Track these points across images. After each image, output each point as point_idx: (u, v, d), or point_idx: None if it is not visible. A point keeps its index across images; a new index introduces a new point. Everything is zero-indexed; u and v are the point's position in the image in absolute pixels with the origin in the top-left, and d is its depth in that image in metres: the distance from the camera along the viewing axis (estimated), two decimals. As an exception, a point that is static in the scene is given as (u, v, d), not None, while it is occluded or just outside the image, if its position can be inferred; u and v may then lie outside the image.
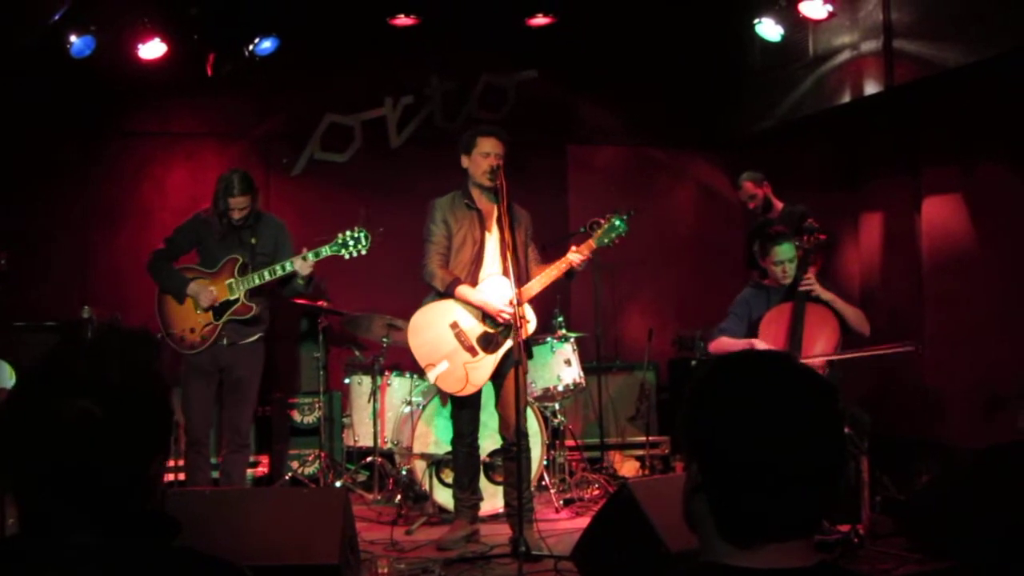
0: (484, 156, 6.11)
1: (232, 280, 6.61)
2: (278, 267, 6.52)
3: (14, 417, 1.79)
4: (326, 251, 6.49)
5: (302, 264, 6.46)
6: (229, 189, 6.53)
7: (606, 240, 6.24)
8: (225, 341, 6.63)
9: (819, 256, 6.76)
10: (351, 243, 6.48)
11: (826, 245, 6.85)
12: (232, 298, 6.61)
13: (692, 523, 1.78)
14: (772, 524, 1.68)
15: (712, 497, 1.71)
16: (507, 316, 6.01)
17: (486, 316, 6.16)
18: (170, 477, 7.58)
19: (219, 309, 6.62)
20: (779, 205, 8.26)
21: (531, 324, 6.18)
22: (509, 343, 6.14)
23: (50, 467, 1.75)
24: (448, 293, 6.14)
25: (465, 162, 6.21)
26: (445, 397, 6.82)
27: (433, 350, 6.15)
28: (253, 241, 6.66)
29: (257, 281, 6.57)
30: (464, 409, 6.34)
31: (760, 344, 6.56)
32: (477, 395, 6.34)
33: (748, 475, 1.66)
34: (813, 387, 1.72)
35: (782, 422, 1.67)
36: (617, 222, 6.24)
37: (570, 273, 6.26)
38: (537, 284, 6.18)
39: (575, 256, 6.18)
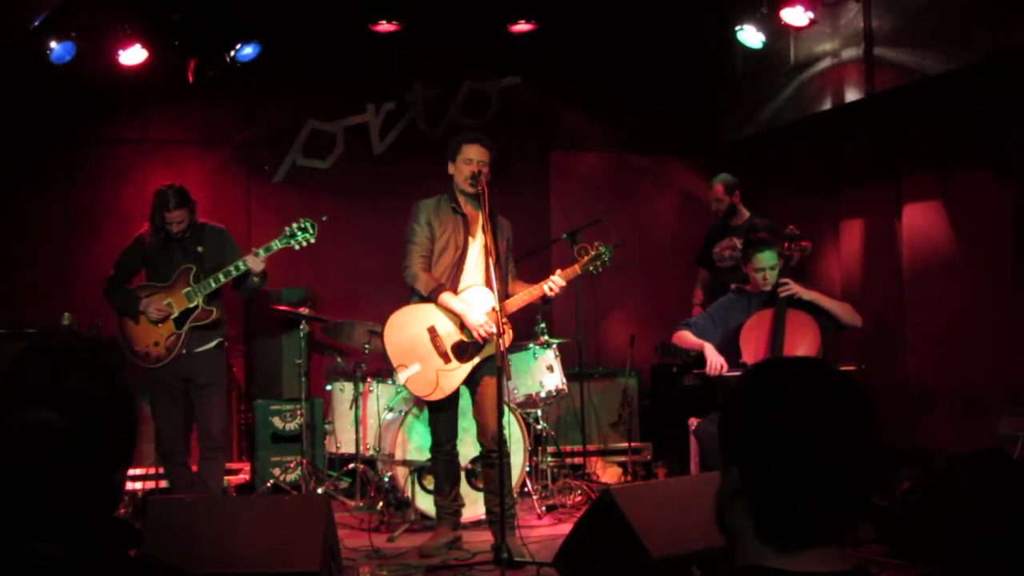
0: (467, 163, 6.11)
1: (189, 288, 6.71)
2: (232, 268, 6.67)
3: None
4: (276, 244, 6.76)
5: (255, 261, 6.65)
6: (165, 204, 6.66)
7: (591, 268, 6.33)
8: (185, 350, 6.72)
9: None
10: (298, 233, 6.79)
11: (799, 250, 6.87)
12: (191, 305, 6.71)
13: (725, 526, 1.79)
14: (814, 528, 1.70)
15: (753, 501, 1.73)
16: (484, 335, 6.03)
17: (464, 325, 6.15)
18: (151, 485, 7.56)
19: (180, 318, 6.72)
20: (745, 214, 8.25)
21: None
22: (484, 354, 6.15)
23: (15, 476, 1.74)
24: (431, 298, 6.14)
25: (451, 168, 6.21)
26: (422, 404, 6.83)
27: (407, 351, 6.15)
28: (200, 250, 6.79)
29: (213, 285, 6.70)
30: (441, 417, 6.34)
31: (710, 349, 6.67)
32: (454, 402, 6.33)
33: (791, 480, 1.69)
34: (853, 394, 1.74)
35: (825, 428, 1.69)
36: (604, 250, 6.31)
37: (546, 300, 6.29)
38: (516, 302, 6.18)
39: (550, 285, 6.15)
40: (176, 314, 6.71)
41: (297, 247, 6.82)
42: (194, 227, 6.81)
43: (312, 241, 6.82)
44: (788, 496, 1.69)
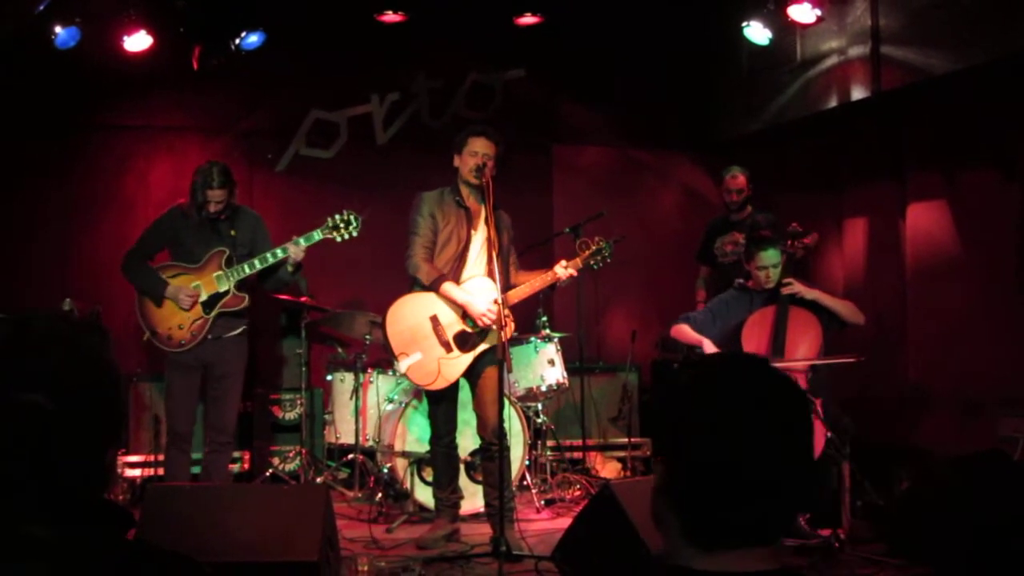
0: (472, 155, 6.11)
1: (220, 273, 6.50)
2: (268, 255, 6.47)
3: None
4: (318, 235, 6.50)
5: (296, 249, 6.43)
6: (208, 182, 6.43)
7: (591, 262, 6.35)
8: (209, 336, 6.52)
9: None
10: (341, 226, 6.52)
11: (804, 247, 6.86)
12: (222, 290, 6.50)
13: (658, 523, 1.75)
14: (738, 530, 1.64)
15: (677, 500, 1.68)
16: (487, 321, 6.02)
17: (466, 315, 6.15)
18: (149, 473, 7.55)
19: (209, 302, 6.50)
20: (748, 209, 8.20)
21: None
22: (485, 345, 6.15)
23: (1, 460, 1.73)
24: (432, 288, 6.14)
25: (456, 161, 6.21)
26: (422, 396, 6.83)
27: (409, 340, 6.14)
28: (233, 233, 6.57)
29: (248, 271, 6.49)
30: (440, 409, 6.34)
31: (709, 345, 6.65)
32: (454, 394, 6.33)
33: (716, 480, 1.63)
34: (787, 395, 1.69)
35: (753, 429, 1.64)
36: (605, 245, 6.32)
37: (553, 285, 6.30)
38: (520, 292, 6.19)
39: (563, 271, 6.20)
40: (204, 298, 6.48)
41: (339, 239, 6.53)
42: (231, 209, 6.57)
43: (355, 235, 6.55)
44: (712, 498, 1.63)
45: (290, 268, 6.54)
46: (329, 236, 6.52)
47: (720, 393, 1.68)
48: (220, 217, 6.54)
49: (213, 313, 6.51)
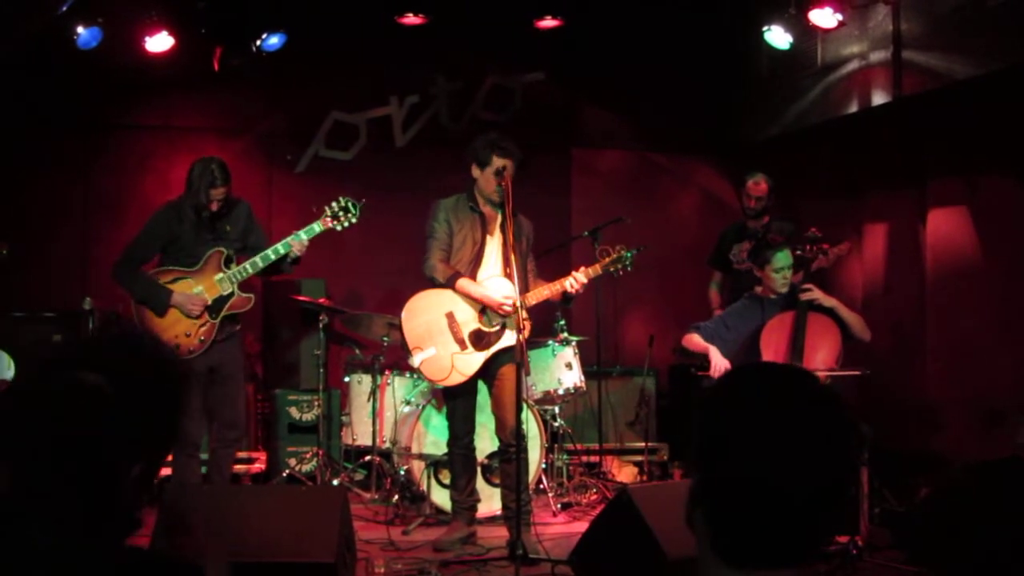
0: (496, 176, 6.07)
1: (221, 275, 6.34)
2: (270, 252, 6.33)
3: (25, 386, 1.77)
4: (318, 227, 6.42)
5: (298, 244, 6.32)
6: (213, 181, 6.25)
7: (611, 269, 6.32)
8: (218, 339, 6.37)
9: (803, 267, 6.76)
10: (340, 214, 6.44)
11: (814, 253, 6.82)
12: (226, 293, 6.36)
13: (691, 528, 1.70)
14: (770, 547, 1.60)
15: (709, 512, 1.64)
16: (508, 309, 6.01)
17: (483, 313, 6.15)
18: (167, 472, 7.56)
19: (214, 306, 6.34)
20: (766, 219, 8.14)
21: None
22: (500, 344, 6.15)
23: (52, 437, 1.72)
24: (449, 285, 6.14)
25: (476, 172, 6.18)
26: (440, 401, 6.83)
27: (424, 335, 6.14)
28: (228, 229, 6.41)
29: (250, 271, 6.36)
30: (458, 409, 6.33)
31: (715, 353, 6.62)
32: (471, 393, 6.32)
33: (749, 494, 1.59)
34: (826, 408, 1.64)
35: (789, 443, 1.59)
36: (626, 254, 6.29)
37: (567, 299, 6.27)
38: (537, 294, 6.18)
39: (572, 281, 6.15)
40: (209, 303, 6.31)
41: (339, 228, 6.43)
42: (228, 203, 6.40)
43: (354, 222, 6.44)
44: (745, 513, 1.59)
45: (289, 261, 6.44)
46: (330, 226, 6.44)
47: (756, 404, 1.63)
48: (219, 213, 6.38)
49: (220, 317, 6.36)
